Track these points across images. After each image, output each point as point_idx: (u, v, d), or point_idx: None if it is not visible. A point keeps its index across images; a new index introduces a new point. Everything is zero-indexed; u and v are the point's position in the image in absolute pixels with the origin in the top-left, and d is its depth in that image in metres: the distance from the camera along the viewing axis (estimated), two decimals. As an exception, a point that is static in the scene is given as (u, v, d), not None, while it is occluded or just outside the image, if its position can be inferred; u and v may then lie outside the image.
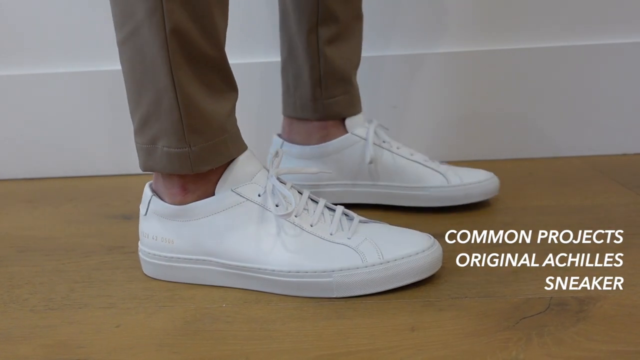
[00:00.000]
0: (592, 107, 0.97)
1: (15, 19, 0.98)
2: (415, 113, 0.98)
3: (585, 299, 0.51)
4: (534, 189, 0.82)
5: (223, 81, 0.56)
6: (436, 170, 0.75)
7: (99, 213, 0.83)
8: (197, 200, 0.57)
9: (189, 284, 0.59)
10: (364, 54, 0.98)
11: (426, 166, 0.75)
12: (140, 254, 0.61)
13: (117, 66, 1.08)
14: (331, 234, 0.56)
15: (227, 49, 0.57)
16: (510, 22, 0.96)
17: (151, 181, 0.61)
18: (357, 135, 0.75)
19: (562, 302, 0.51)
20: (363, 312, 0.51)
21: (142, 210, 0.60)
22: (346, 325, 0.49)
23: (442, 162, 0.79)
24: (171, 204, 0.58)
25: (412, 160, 0.75)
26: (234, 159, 0.57)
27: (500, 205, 0.76)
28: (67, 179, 1.02)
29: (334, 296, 0.54)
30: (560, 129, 0.97)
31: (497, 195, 0.79)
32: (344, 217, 0.58)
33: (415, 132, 0.98)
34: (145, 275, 0.61)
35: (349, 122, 0.76)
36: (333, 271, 0.53)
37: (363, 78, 0.97)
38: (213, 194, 0.57)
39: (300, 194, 0.59)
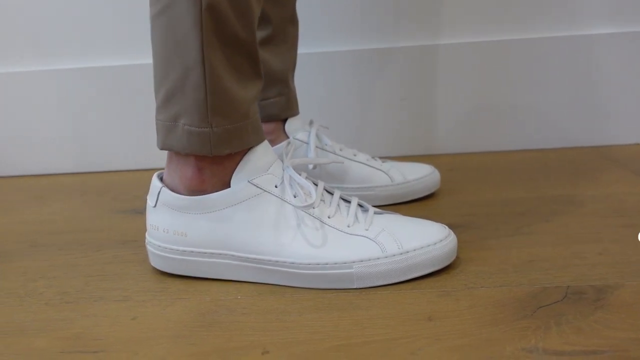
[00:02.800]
0: (605, 96, 0.96)
1: (24, 16, 0.98)
2: (425, 105, 0.98)
3: (603, 287, 0.51)
4: (547, 179, 0.82)
5: (251, 66, 0.56)
6: (379, 169, 0.75)
7: (110, 208, 0.83)
8: (211, 188, 0.56)
9: (202, 278, 0.58)
10: (372, 45, 0.98)
11: (370, 166, 0.75)
12: (148, 246, 0.60)
13: (126, 62, 1.08)
14: (348, 226, 0.55)
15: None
16: (521, 12, 0.95)
17: (159, 172, 0.61)
18: (299, 140, 0.75)
19: (580, 291, 0.50)
20: (379, 303, 0.51)
21: (151, 201, 0.59)
22: (362, 316, 0.49)
23: (383, 159, 0.79)
24: (184, 189, 0.57)
25: (355, 160, 0.76)
26: (251, 148, 0.57)
27: (514, 195, 0.76)
28: (77, 174, 1.02)
29: (354, 287, 0.54)
30: (572, 119, 0.96)
31: (511, 185, 0.79)
32: (359, 209, 0.58)
33: (424, 125, 0.98)
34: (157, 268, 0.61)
35: (288, 126, 0.76)
36: (354, 262, 0.53)
37: (371, 70, 0.97)
38: (228, 183, 0.56)
39: (315, 185, 0.58)
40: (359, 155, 0.77)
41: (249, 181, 0.56)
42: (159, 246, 0.59)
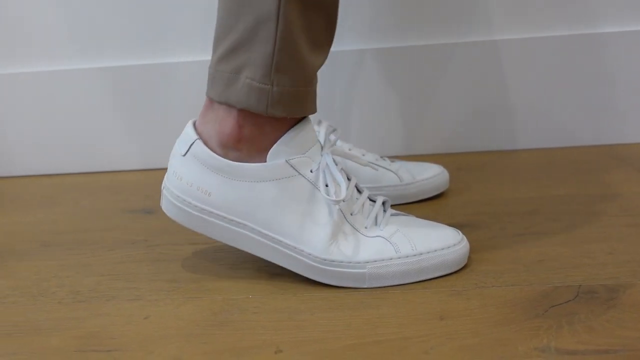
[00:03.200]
0: (612, 95, 0.96)
1: (31, 16, 0.99)
2: (431, 104, 0.98)
3: (614, 286, 0.51)
4: (554, 178, 0.82)
5: (327, 31, 0.54)
6: (388, 169, 0.75)
7: (120, 208, 0.84)
8: (246, 150, 0.55)
9: (214, 276, 0.59)
10: (378, 45, 0.98)
11: (378, 165, 0.75)
12: (164, 191, 0.58)
13: (136, 62, 1.08)
14: (366, 227, 0.55)
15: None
16: (528, 10, 0.95)
17: (194, 119, 0.58)
18: None
19: (591, 290, 0.51)
20: (390, 302, 0.51)
21: (180, 149, 0.57)
22: (374, 315, 0.50)
23: (392, 159, 0.79)
24: (217, 143, 0.55)
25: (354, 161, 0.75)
26: (296, 126, 0.55)
27: (522, 195, 0.76)
28: (87, 174, 1.02)
29: (365, 286, 0.54)
30: (580, 117, 0.96)
31: (519, 185, 0.79)
32: (380, 208, 0.58)
33: (431, 124, 0.98)
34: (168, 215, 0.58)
35: None
36: (367, 262, 0.53)
37: (377, 70, 0.97)
38: (263, 152, 0.54)
39: (349, 179, 0.57)
40: (367, 155, 0.77)
41: (286, 160, 0.54)
42: (178, 197, 0.57)
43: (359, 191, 0.58)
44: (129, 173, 1.01)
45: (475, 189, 0.79)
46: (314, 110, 0.56)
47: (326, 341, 0.46)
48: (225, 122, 0.55)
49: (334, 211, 0.54)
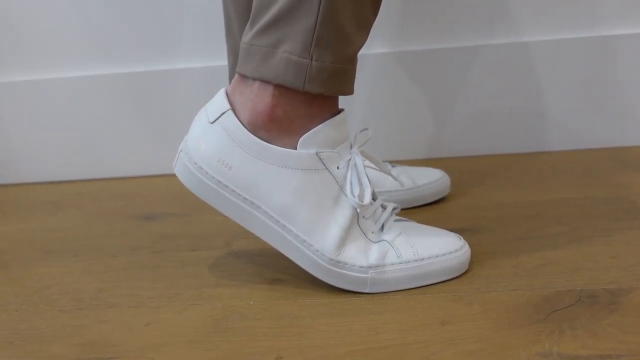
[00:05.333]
0: (614, 98, 0.95)
1: (35, 22, 0.99)
2: (434, 108, 0.98)
3: (616, 290, 0.51)
4: (557, 182, 0.81)
5: (371, 9, 0.53)
6: (389, 174, 0.75)
7: (123, 214, 0.84)
8: (276, 131, 0.53)
9: (214, 282, 0.59)
10: (380, 49, 0.98)
11: (380, 170, 0.75)
12: (182, 154, 0.56)
13: (139, 69, 1.09)
14: (372, 232, 0.55)
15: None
16: (532, 13, 0.95)
17: (227, 87, 0.56)
18: None
19: (593, 295, 0.50)
20: (391, 308, 0.51)
21: (210, 116, 0.54)
22: (376, 321, 0.49)
23: (393, 163, 0.79)
24: (247, 119, 0.53)
25: (365, 165, 0.75)
26: (333, 118, 0.53)
27: (524, 198, 0.76)
28: (90, 181, 1.03)
29: (366, 291, 0.54)
30: (582, 120, 0.96)
31: (521, 188, 0.79)
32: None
33: (433, 128, 0.98)
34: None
35: None
36: (370, 267, 0.53)
37: (379, 74, 0.97)
38: (294, 138, 0.53)
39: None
40: (368, 160, 0.77)
41: (317, 152, 0.53)
42: (196, 163, 0.55)
43: (374, 197, 0.57)
44: (131, 180, 1.02)
45: (476, 193, 0.79)
46: (351, 91, 0.54)
47: (328, 347, 0.46)
48: (259, 98, 0.53)
49: (352, 213, 0.54)
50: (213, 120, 0.54)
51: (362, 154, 0.57)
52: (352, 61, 0.54)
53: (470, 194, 0.79)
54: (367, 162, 0.76)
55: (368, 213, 0.55)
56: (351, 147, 0.56)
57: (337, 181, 0.54)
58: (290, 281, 0.56)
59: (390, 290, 0.54)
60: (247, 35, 0.54)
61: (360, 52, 0.86)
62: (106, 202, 0.90)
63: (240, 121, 0.54)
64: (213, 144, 0.54)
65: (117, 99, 1.01)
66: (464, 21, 0.96)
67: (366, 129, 0.58)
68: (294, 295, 0.55)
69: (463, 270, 0.56)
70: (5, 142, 1.03)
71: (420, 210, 0.74)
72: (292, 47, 0.51)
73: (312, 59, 0.51)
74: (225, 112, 0.54)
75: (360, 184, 0.54)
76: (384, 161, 0.78)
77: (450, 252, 0.54)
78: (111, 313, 0.55)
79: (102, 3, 0.97)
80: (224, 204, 0.55)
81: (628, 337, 0.44)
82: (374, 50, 0.97)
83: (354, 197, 0.53)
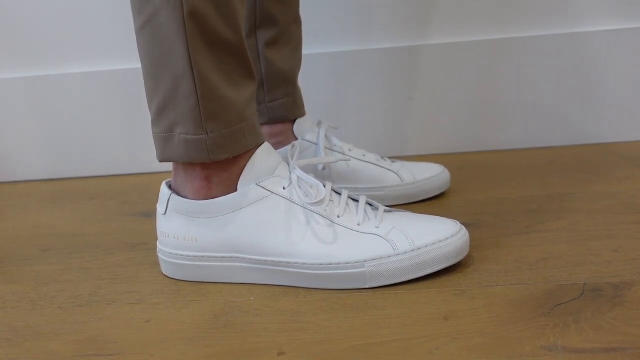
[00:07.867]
0: (614, 93, 0.95)
1: (33, 20, 0.99)
2: (433, 104, 0.97)
3: (620, 284, 0.50)
4: (557, 177, 0.81)
5: (242, 67, 0.55)
6: (389, 170, 0.75)
7: (120, 211, 0.83)
8: (220, 194, 0.56)
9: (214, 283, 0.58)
10: (380, 45, 0.97)
11: (379, 166, 0.75)
12: (159, 254, 0.60)
13: (135, 65, 1.08)
14: (359, 224, 0.55)
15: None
16: (530, 9, 0.94)
17: (168, 179, 0.61)
18: (308, 141, 0.74)
19: (597, 288, 0.50)
20: (394, 302, 0.51)
21: (161, 209, 0.59)
22: (378, 316, 0.49)
23: (393, 159, 0.78)
24: (193, 198, 0.57)
25: (365, 161, 0.75)
26: (253, 151, 0.56)
27: (525, 193, 0.76)
28: (87, 178, 1.02)
29: (367, 287, 0.53)
30: (581, 116, 0.96)
31: (521, 183, 0.79)
32: (369, 207, 0.57)
33: (433, 124, 0.98)
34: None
35: (297, 127, 0.75)
36: (365, 261, 0.53)
37: (379, 70, 0.97)
38: (236, 188, 0.56)
39: (324, 186, 0.58)
40: (368, 156, 0.76)
41: (256, 184, 0.56)
42: (170, 253, 0.59)
43: (338, 193, 0.58)
44: (128, 177, 1.01)
45: (477, 189, 0.79)
46: (258, 142, 0.57)
47: (329, 342, 0.46)
48: (192, 177, 0.57)
49: (315, 216, 0.55)
50: (164, 211, 0.59)
51: (300, 164, 0.58)
52: (244, 118, 0.56)
53: (470, 189, 0.79)
54: (368, 158, 0.76)
55: (339, 211, 0.56)
56: (289, 165, 0.58)
57: (287, 199, 0.55)
58: (291, 277, 0.56)
59: (391, 283, 0.53)
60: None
61: (359, 48, 0.86)
62: (103, 200, 0.90)
63: (189, 198, 0.57)
64: (174, 228, 0.58)
65: (113, 96, 1.00)
66: (462, 17, 0.95)
67: (336, 128, 0.59)
68: (295, 291, 0.55)
69: (463, 256, 0.55)
70: (0, 139, 1.02)
71: (421, 205, 0.74)
72: (185, 129, 0.54)
73: (207, 133, 0.54)
74: (169, 197, 0.58)
75: (312, 186, 0.56)
76: (383, 157, 0.78)
77: (447, 238, 0.54)
78: (110, 310, 0.54)
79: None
80: (209, 272, 0.57)
81: (633, 330, 0.44)
82: (373, 46, 0.96)
83: (309, 201, 0.55)
